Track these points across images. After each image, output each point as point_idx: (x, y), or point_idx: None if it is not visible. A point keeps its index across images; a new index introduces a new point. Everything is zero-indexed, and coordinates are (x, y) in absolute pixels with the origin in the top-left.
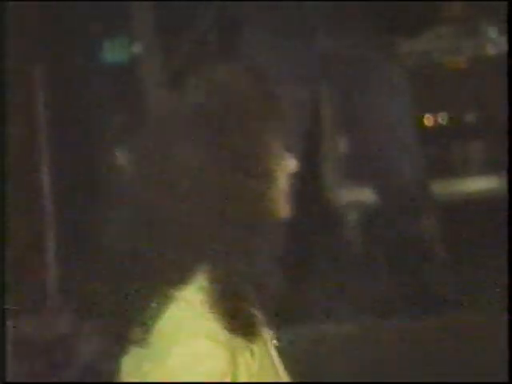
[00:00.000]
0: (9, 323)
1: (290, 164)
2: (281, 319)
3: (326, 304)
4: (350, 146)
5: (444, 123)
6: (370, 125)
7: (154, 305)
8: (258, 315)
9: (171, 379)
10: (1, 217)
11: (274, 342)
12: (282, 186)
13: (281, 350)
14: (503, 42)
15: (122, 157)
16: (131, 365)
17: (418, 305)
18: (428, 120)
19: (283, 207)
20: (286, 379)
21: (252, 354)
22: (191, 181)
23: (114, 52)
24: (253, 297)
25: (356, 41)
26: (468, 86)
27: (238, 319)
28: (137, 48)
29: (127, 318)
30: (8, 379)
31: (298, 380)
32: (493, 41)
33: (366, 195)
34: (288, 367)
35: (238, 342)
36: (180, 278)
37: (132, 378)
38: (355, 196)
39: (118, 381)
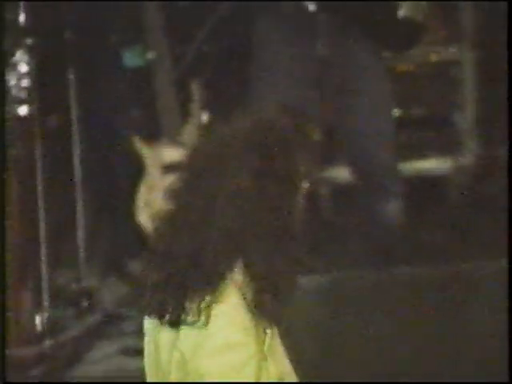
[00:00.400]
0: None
1: (305, 185)
2: None
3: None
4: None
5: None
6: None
7: (195, 296)
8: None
9: (209, 362)
10: (1, 216)
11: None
12: (301, 203)
13: None
14: (445, 51)
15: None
16: (169, 340)
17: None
18: None
19: (299, 219)
20: (285, 357)
21: (266, 334)
22: (240, 196)
23: (132, 58)
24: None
25: (348, 47)
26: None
27: (266, 311)
28: (151, 55)
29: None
30: (43, 324)
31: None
32: (436, 50)
33: (340, 173)
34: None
35: (261, 326)
36: (220, 273)
37: (168, 354)
38: (329, 173)
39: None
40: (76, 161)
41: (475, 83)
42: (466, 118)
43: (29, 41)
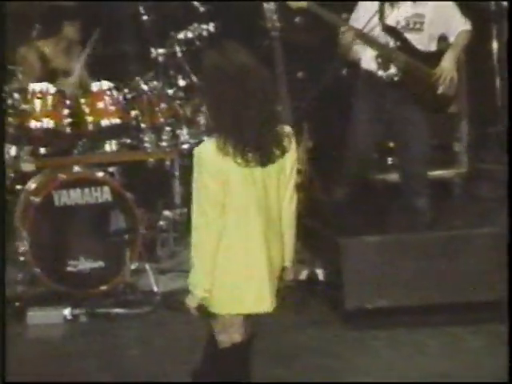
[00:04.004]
0: None
1: None
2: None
3: None
4: None
5: None
6: None
7: None
8: None
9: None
10: (1, 217)
11: None
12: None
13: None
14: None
15: None
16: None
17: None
18: None
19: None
20: None
21: None
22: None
23: None
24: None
25: None
26: None
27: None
28: None
29: None
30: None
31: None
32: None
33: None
34: None
35: None
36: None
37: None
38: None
39: None
40: None
41: (467, 128)
42: (461, 146)
43: (181, 82)
